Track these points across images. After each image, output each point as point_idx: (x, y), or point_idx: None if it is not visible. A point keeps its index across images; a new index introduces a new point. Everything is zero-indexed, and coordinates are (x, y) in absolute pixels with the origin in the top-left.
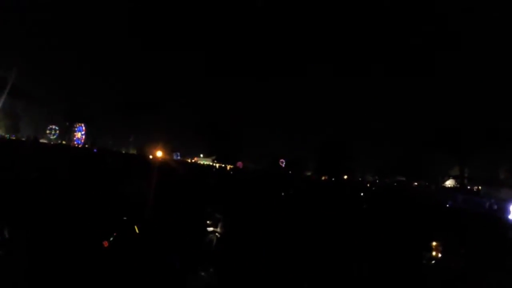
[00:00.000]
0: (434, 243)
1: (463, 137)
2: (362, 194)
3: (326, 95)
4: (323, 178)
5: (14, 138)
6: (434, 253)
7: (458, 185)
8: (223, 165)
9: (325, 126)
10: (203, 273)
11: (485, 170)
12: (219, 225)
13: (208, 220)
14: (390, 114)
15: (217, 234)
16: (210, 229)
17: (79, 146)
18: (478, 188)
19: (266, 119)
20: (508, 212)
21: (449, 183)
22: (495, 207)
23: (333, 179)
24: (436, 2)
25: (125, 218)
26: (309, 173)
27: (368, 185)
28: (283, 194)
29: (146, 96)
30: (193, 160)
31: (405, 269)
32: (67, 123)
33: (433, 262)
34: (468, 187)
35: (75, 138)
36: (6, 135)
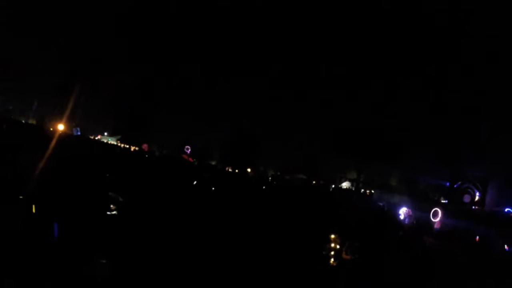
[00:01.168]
0: (332, 236)
1: (361, 146)
2: (264, 187)
3: (243, 89)
4: (227, 168)
5: None
6: (332, 245)
7: (353, 188)
8: (127, 146)
9: (235, 118)
10: (101, 257)
11: (379, 176)
12: (120, 208)
13: (109, 204)
14: (295, 116)
15: (116, 216)
16: (112, 212)
17: None
18: (371, 191)
19: (178, 104)
20: (398, 215)
21: (345, 184)
22: (386, 209)
23: (236, 170)
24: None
25: (21, 197)
26: (213, 163)
27: (270, 179)
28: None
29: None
30: (96, 138)
31: (307, 259)
32: None
33: (332, 253)
34: (362, 190)
35: None
36: None
